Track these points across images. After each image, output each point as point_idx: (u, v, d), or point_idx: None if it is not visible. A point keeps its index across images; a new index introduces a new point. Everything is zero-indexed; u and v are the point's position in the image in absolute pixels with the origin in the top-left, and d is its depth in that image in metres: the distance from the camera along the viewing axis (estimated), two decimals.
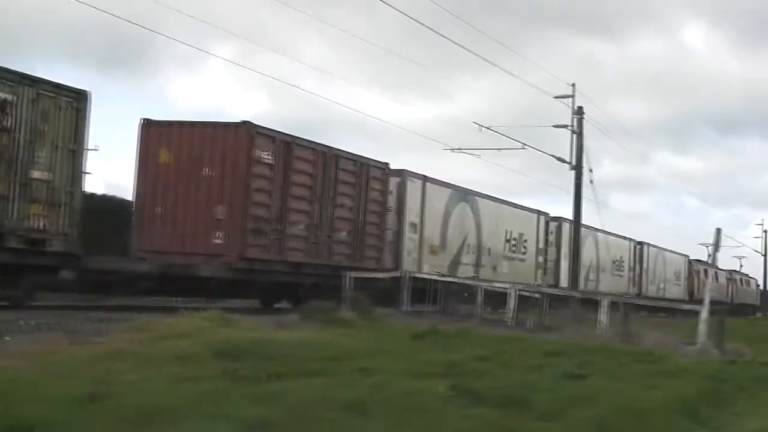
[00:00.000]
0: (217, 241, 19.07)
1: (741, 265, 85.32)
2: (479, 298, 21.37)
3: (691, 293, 58.43)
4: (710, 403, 7.59)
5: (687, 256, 58.46)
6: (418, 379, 7.43)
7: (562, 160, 29.57)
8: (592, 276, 40.53)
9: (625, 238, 45.83)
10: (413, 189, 25.61)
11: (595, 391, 7.39)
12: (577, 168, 30.79)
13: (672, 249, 55.26)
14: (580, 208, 31.02)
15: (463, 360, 9.28)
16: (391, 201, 24.96)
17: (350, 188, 22.56)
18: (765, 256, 55.96)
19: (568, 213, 37.57)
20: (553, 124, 30.36)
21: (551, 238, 36.43)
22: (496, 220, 30.85)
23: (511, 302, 20.68)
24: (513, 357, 10.08)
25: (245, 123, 19.28)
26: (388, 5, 19.42)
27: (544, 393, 7.11)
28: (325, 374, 7.36)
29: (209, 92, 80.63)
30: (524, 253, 33.20)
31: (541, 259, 34.68)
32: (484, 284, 22.35)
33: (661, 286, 51.69)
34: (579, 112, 31.11)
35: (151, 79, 78.99)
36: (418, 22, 21.04)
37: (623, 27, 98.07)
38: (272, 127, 20.14)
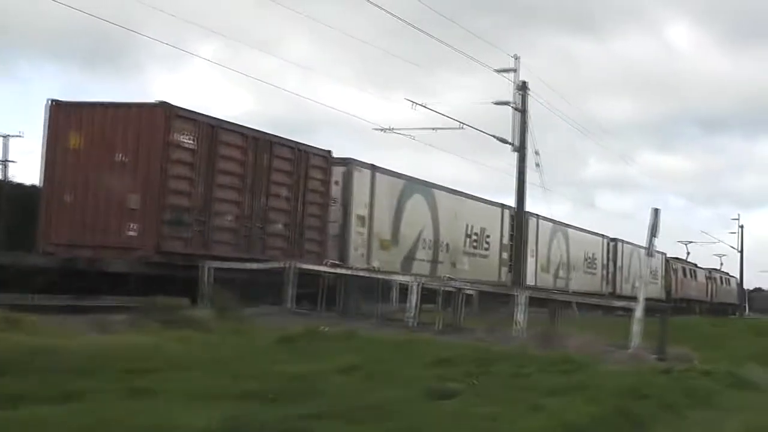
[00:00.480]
0: (131, 233, 17.43)
1: (721, 264, 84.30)
2: (393, 294, 18.88)
3: (668, 292, 57.05)
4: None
5: (664, 253, 57.03)
6: (193, 405, 5.58)
7: (504, 141, 27.38)
8: (561, 274, 39.03)
9: (598, 234, 44.37)
10: (360, 179, 23.99)
11: (450, 418, 5.77)
12: (521, 150, 28.58)
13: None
14: (523, 194, 29.21)
15: (321, 371, 7.63)
16: (336, 192, 23.35)
17: (287, 177, 20.94)
18: (741, 252, 54.39)
19: (536, 208, 36.15)
20: (494, 101, 28.05)
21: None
22: (455, 213, 29.27)
23: (413, 299, 17.68)
24: (390, 366, 8.43)
25: (161, 103, 17.63)
26: (373, 4, 17.96)
27: (368, 424, 5.40)
28: (78, 398, 5.63)
29: (194, 90, 79.53)
30: (487, 249, 31.64)
31: (505, 255, 33.12)
32: (381, 276, 19.84)
33: (637, 284, 50.20)
34: (522, 87, 28.88)
35: (135, 77, 77.85)
36: (402, 20, 19.53)
37: (607, 25, 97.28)
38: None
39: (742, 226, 60.42)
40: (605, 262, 44.71)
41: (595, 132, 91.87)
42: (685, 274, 61.74)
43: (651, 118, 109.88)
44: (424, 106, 27.00)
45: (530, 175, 30.34)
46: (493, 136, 28.36)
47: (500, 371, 8.72)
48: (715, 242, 62.63)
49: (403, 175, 26.33)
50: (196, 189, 18.26)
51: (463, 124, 28.09)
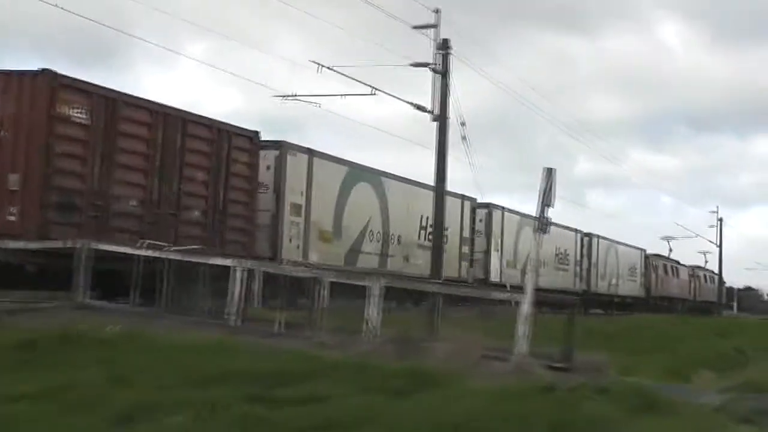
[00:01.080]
0: (11, 217, 15.40)
1: (706, 261, 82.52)
2: (235, 287, 13.87)
3: (648, 289, 55.23)
4: None
5: (643, 249, 55.21)
6: None
7: (422, 109, 24.53)
8: (530, 270, 37.08)
9: (570, 228, 42.46)
10: (296, 164, 21.99)
11: None
12: (441, 118, 24.28)
13: (627, 242, 52.04)
14: (444, 168, 24.67)
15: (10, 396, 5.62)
16: (267, 177, 21.39)
17: (204, 159, 18.95)
18: (720, 247, 52.32)
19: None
20: (411, 62, 23.99)
21: (479, 226, 32.94)
22: (408, 204, 27.32)
23: (236, 290, 13.69)
24: (140, 383, 6.34)
25: (45, 71, 15.57)
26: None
27: None
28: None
29: (183, 88, 77.80)
30: (445, 243, 29.62)
31: (466, 249, 31.17)
32: (193, 259, 15.09)
33: (613, 281, 48.36)
34: (444, 46, 24.49)
35: (125, 75, 76.28)
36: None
37: (597, 23, 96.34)
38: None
39: (721, 220, 58.08)
40: (578, 258, 42.81)
41: (584, 130, 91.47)
42: (666, 272, 59.90)
43: (640, 116, 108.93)
44: (331, 69, 22.99)
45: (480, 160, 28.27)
46: (409, 103, 24.35)
47: (287, 396, 6.52)
48: (693, 236, 60.40)
49: (347, 160, 24.36)
50: (91, 169, 16.24)
51: (375, 89, 23.88)
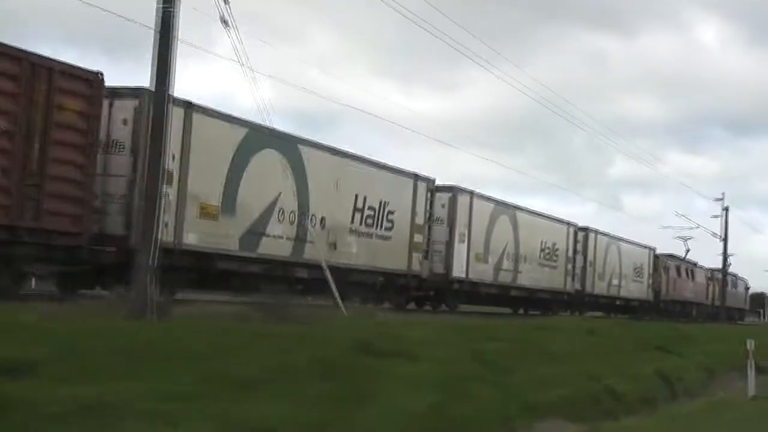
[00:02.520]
0: None
1: (729, 264, 76.60)
2: None
3: (657, 292, 49.98)
4: None
5: (653, 248, 49.97)
6: None
7: None
8: (506, 265, 32.16)
9: (560, 221, 37.43)
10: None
11: None
12: None
13: (633, 240, 46.84)
14: (168, 68, 13.71)
15: None
16: (124, 134, 16.80)
17: (9, 102, 14.35)
18: (725, 240, 47.14)
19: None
20: None
21: (440, 213, 28.10)
22: (335, 180, 22.56)
23: None
24: None
25: None
26: None
27: None
28: None
29: (215, 81, 76.70)
30: (389, 230, 24.89)
31: (419, 238, 26.35)
32: None
33: (615, 282, 43.24)
34: None
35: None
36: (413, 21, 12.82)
37: (633, 22, 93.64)
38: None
39: (726, 209, 52.44)
40: (571, 254, 37.74)
41: (619, 131, 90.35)
42: (679, 273, 54.50)
43: (677, 117, 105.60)
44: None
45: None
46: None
47: None
48: (694, 227, 55.02)
49: (247, 121, 19.61)
50: None
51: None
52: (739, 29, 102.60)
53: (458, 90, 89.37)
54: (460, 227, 28.76)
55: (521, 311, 35.80)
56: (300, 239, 21.32)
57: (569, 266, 37.49)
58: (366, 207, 23.82)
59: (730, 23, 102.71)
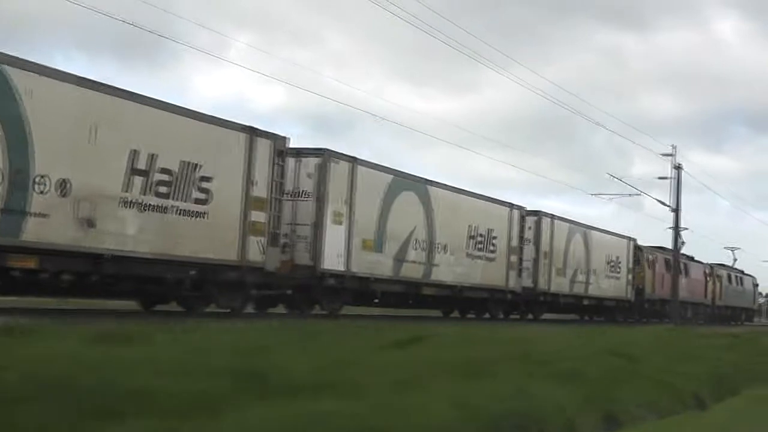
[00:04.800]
0: None
1: (735, 259, 68.88)
2: None
3: (640, 290, 42.40)
4: None
5: (633, 239, 42.45)
6: None
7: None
8: (414, 256, 24.86)
9: (502, 203, 30.07)
10: None
11: None
12: None
13: (607, 229, 39.40)
14: None
15: None
16: None
17: None
18: (676, 211, 36.76)
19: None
20: None
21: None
22: (153, 137, 15.47)
23: None
24: None
25: None
26: None
27: None
28: None
29: (229, 84, 79.27)
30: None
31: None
32: None
33: (581, 278, 35.76)
34: None
35: (171, 70, 77.45)
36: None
37: (651, 18, 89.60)
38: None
39: (679, 167, 39.92)
40: (516, 243, 30.34)
41: (639, 130, 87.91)
42: (668, 268, 46.86)
43: (697, 115, 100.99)
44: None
45: None
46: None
47: None
48: (636, 194, 44.22)
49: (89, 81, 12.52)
50: None
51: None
52: (760, 25, 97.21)
53: (475, 91, 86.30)
54: (335, 203, 21.59)
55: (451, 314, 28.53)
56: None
57: (513, 258, 30.09)
58: (176, 170, 16.63)
59: (750, 18, 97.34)
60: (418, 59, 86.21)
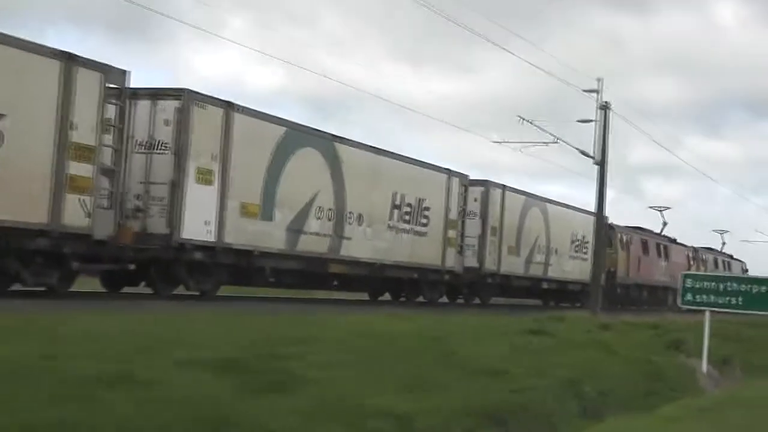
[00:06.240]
0: None
1: (723, 243, 64.74)
2: None
3: (612, 274, 38.16)
4: None
5: (605, 217, 38.25)
6: None
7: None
8: (320, 227, 20.68)
9: (437, 168, 25.82)
10: None
11: None
12: None
13: (572, 204, 35.21)
14: None
15: None
16: None
17: None
18: (602, 164, 28.61)
19: None
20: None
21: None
22: None
23: None
24: None
25: None
26: None
27: None
28: None
29: (225, 65, 75.55)
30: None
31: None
32: None
33: (539, 258, 31.58)
34: None
35: (165, 47, 73.92)
36: None
37: (650, 1, 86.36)
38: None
39: (606, 107, 28.09)
40: (455, 216, 26.10)
41: (640, 115, 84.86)
42: (646, 250, 42.70)
43: (696, 100, 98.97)
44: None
45: None
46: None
47: None
48: (553, 142, 33.45)
49: None
50: None
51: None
52: (760, 8, 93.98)
53: (474, 73, 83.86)
54: (197, 157, 17.39)
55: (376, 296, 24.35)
56: None
57: (452, 233, 25.86)
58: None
59: (749, 2, 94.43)
60: (416, 40, 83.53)
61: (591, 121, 28.18)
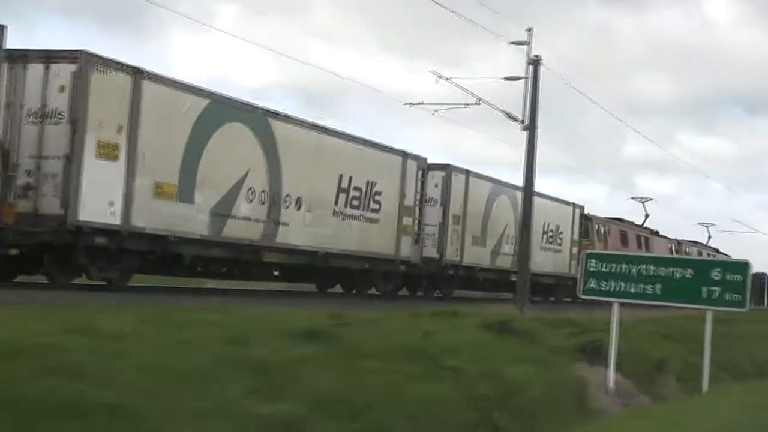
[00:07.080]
0: None
1: (709, 236, 62.97)
2: None
3: None
4: None
5: (580, 206, 36.37)
6: None
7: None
8: (251, 210, 18.63)
9: (391, 150, 23.79)
10: None
11: None
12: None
13: (546, 193, 33.22)
14: None
15: None
16: None
17: None
18: (532, 128, 23.69)
19: None
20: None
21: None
22: None
23: None
24: None
25: None
26: None
27: None
28: None
29: (215, 58, 74.21)
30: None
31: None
32: None
33: (507, 249, 29.57)
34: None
35: (155, 37, 73.04)
36: None
37: None
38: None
39: (536, 61, 24.31)
40: (411, 202, 24.03)
41: (632, 111, 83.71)
42: (625, 242, 40.74)
43: (690, 96, 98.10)
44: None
45: None
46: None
47: None
48: (475, 104, 28.93)
49: None
50: None
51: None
52: (754, 5, 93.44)
53: (465, 66, 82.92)
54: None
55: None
56: None
57: (407, 221, 23.79)
58: None
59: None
60: (407, 32, 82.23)
61: (520, 78, 24.19)
